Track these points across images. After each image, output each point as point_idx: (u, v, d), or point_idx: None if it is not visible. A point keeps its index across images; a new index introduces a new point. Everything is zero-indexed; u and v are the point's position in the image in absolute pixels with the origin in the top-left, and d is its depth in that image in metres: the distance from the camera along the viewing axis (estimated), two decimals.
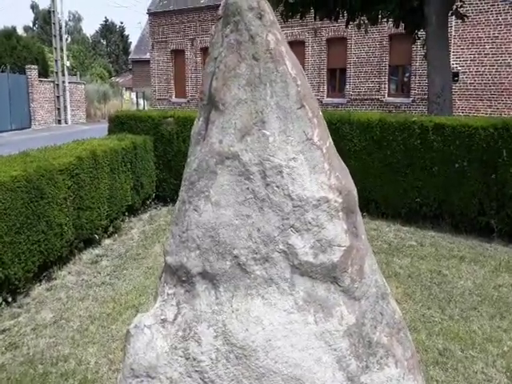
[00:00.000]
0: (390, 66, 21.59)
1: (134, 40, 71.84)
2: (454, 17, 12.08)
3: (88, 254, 6.46)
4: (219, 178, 2.34)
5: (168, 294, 2.46)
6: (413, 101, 20.85)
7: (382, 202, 7.93)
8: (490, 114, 18.43)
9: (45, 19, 51.02)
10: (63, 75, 27.52)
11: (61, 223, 5.70)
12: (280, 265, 2.31)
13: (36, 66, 26.29)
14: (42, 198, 5.37)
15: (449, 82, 10.71)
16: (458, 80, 18.75)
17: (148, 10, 29.45)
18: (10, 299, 4.96)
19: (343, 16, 12.20)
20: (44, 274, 5.62)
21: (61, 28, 28.01)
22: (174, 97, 28.61)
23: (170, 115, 8.95)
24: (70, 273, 5.89)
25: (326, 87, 23.45)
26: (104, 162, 6.83)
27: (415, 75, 20.77)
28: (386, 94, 21.78)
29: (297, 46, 22.09)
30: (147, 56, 34.03)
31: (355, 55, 22.26)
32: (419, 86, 20.44)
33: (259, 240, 2.30)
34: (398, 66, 21.65)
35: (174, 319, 2.41)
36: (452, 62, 12.63)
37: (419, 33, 12.15)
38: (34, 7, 63.05)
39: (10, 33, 29.55)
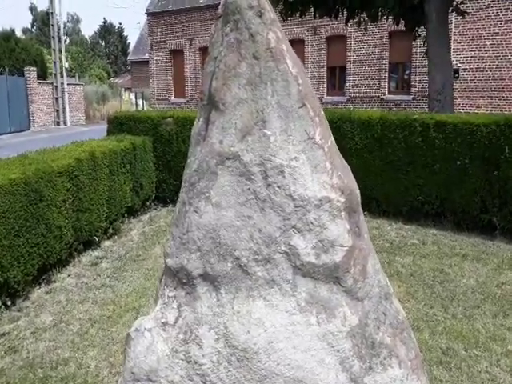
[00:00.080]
0: (390, 63, 21.57)
1: (132, 41, 72.03)
2: (454, 13, 12.05)
3: (88, 256, 6.43)
4: (220, 179, 2.31)
5: (169, 297, 2.43)
6: (413, 98, 20.83)
7: (384, 200, 7.89)
8: (491, 110, 18.41)
9: (43, 21, 50.99)
10: (62, 77, 27.49)
11: (60, 225, 5.67)
12: (282, 266, 2.29)
13: (35, 68, 26.26)
14: (40, 201, 5.34)
15: (450, 79, 10.68)
16: (458, 77, 18.72)
17: (146, 10, 29.44)
18: (9, 303, 4.94)
19: (343, 14, 12.17)
20: (43, 277, 5.59)
21: (59, 30, 27.99)
22: (173, 97, 28.60)
23: (170, 115, 8.92)
24: (69, 275, 5.86)
25: (325, 85, 23.43)
26: (103, 164, 6.80)
27: (415, 72, 20.74)
28: (387, 92, 21.76)
29: (296, 44, 22.06)
30: (146, 56, 34.03)
31: (355, 53, 22.23)
32: (419, 84, 20.42)
33: (261, 241, 2.28)
34: (398, 64, 21.63)
35: (175, 322, 2.39)
36: (452, 59, 12.59)
37: (419, 30, 12.12)
38: (32, 9, 63.18)
39: (9, 35, 29.55)
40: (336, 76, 23.39)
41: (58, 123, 27.43)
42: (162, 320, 2.40)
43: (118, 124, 9.09)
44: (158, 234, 7.36)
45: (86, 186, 6.29)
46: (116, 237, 7.26)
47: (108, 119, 9.59)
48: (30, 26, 62.64)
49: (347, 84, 22.70)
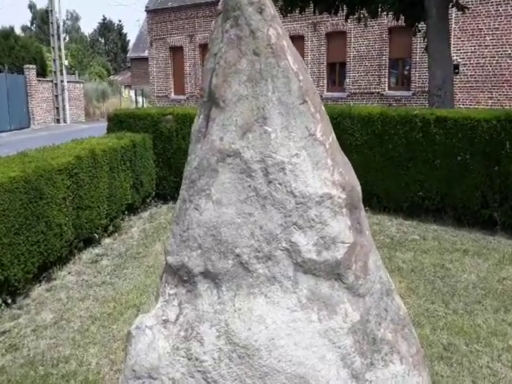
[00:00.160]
0: (389, 59, 21.52)
1: (132, 38, 71.93)
2: (454, 8, 12.01)
3: (88, 254, 6.42)
4: (220, 176, 2.30)
5: (169, 295, 2.43)
6: (413, 94, 20.79)
7: (384, 196, 7.89)
8: (491, 105, 18.38)
9: (42, 19, 50.91)
10: (61, 74, 27.46)
11: (60, 223, 5.67)
12: (283, 263, 2.29)
13: (34, 66, 26.22)
14: (40, 199, 5.33)
15: (450, 75, 10.66)
16: (458, 72, 18.68)
17: (146, 7, 29.37)
18: (9, 301, 4.93)
19: (343, 10, 12.15)
20: (44, 275, 5.58)
21: (59, 27, 27.93)
22: (172, 94, 28.56)
23: (169, 112, 8.90)
24: (70, 273, 5.85)
25: (325, 81, 23.40)
26: (103, 161, 6.79)
27: (415, 68, 20.70)
28: (387, 88, 21.72)
29: (296, 40, 21.99)
30: (146, 54, 33.99)
31: (355, 49, 22.19)
32: (419, 79, 20.39)
33: (261, 238, 2.27)
34: (397, 59, 21.58)
35: (176, 319, 2.38)
36: (452, 54, 12.57)
37: (419, 25, 12.09)
38: (31, 7, 63.07)
39: (8, 33, 29.52)
40: (336, 72, 23.35)
41: (57, 121, 27.41)
42: (163, 317, 2.40)
43: (118, 121, 9.07)
44: (159, 231, 7.36)
45: (86, 183, 6.28)
46: (116, 234, 7.25)
47: (108, 117, 9.57)
48: (29, 24, 62.62)
49: (347, 80, 22.66)
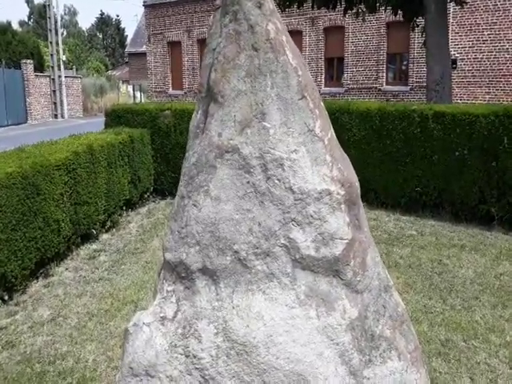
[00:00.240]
0: (387, 54, 21.47)
1: (130, 33, 71.63)
2: (452, 3, 11.98)
3: (86, 250, 6.41)
4: (219, 172, 2.29)
5: (167, 291, 2.42)
6: (411, 89, 20.76)
7: (382, 191, 7.88)
8: (488, 100, 18.38)
9: (40, 13, 50.70)
10: (59, 69, 27.35)
11: (58, 219, 5.65)
12: (281, 259, 2.28)
13: (31, 61, 26.12)
14: (38, 195, 5.31)
15: (448, 70, 10.64)
16: (456, 67, 18.66)
17: (144, 1, 29.23)
18: (6, 297, 4.91)
19: (341, 4, 12.11)
20: (41, 271, 5.57)
21: (56, 22, 27.80)
22: (170, 89, 28.47)
23: (167, 108, 8.88)
24: (67, 269, 5.84)
25: (323, 77, 23.33)
26: (101, 157, 6.77)
27: (413, 63, 20.66)
28: (384, 83, 21.69)
29: (294, 35, 21.81)
30: (144, 49, 33.85)
31: (353, 44, 22.13)
32: (417, 74, 20.35)
33: (260, 234, 2.26)
34: (395, 54, 21.53)
35: (174, 316, 2.38)
36: (450, 49, 12.54)
37: (418, 20, 12.06)
38: (29, 1, 62.74)
39: (5, 27, 29.36)
40: (334, 67, 23.29)
41: (55, 116, 27.33)
42: (161, 314, 2.39)
43: (116, 117, 9.05)
44: (157, 227, 7.34)
45: (83, 179, 6.26)
46: (114, 230, 7.24)
47: (106, 112, 9.54)
48: (26, 19, 62.32)
49: (345, 75, 22.62)
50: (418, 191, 7.54)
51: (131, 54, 43.33)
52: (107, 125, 9.05)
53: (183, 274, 2.37)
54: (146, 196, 8.72)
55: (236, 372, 2.26)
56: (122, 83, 40.52)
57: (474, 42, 18.97)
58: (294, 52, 2.29)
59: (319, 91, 2.43)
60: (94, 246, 6.54)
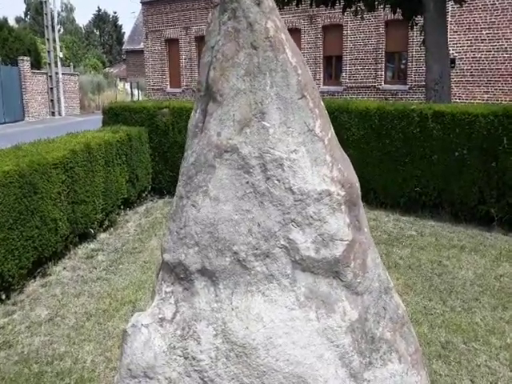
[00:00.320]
0: (386, 52, 21.45)
1: (127, 30, 71.51)
2: (450, 2, 11.96)
3: (83, 249, 6.38)
4: (218, 172, 2.26)
5: (166, 292, 2.39)
6: (410, 88, 20.76)
7: (381, 191, 7.86)
8: (487, 100, 18.38)
9: (37, 10, 50.50)
10: (56, 66, 27.29)
11: (55, 218, 5.62)
12: (281, 260, 2.25)
13: (28, 58, 26.03)
14: (35, 193, 5.28)
15: (447, 69, 10.63)
16: (454, 66, 18.65)
17: None
18: (3, 296, 4.89)
19: (339, 2, 12.09)
20: (38, 270, 5.54)
21: (53, 18, 27.73)
22: (168, 87, 28.43)
23: (165, 106, 8.85)
24: (65, 268, 5.81)
25: (322, 75, 23.31)
26: (98, 155, 6.73)
27: (412, 62, 20.65)
28: (383, 82, 21.67)
29: (292, 33, 21.54)
30: (141, 46, 33.78)
31: (351, 42, 22.11)
32: (416, 73, 20.34)
33: (259, 235, 2.24)
34: (394, 53, 21.51)
35: (173, 318, 2.35)
36: (449, 48, 12.53)
37: (416, 19, 12.04)
38: None
39: (2, 24, 29.21)
40: (332, 65, 23.27)
41: (52, 113, 27.26)
42: (160, 316, 2.37)
43: (114, 115, 9.02)
44: (155, 226, 7.32)
45: (81, 177, 6.23)
46: (112, 229, 7.21)
47: (103, 110, 9.50)
48: (23, 15, 62.04)
49: (343, 74, 22.59)
50: (418, 191, 7.52)
51: (129, 52, 43.26)
52: (105, 123, 9.02)
53: (182, 275, 2.34)
54: (144, 195, 8.69)
55: (235, 374, 2.24)
56: (120, 81, 40.45)
57: (473, 41, 18.96)
58: (293, 50, 2.26)
59: None
60: (92, 246, 6.51)
